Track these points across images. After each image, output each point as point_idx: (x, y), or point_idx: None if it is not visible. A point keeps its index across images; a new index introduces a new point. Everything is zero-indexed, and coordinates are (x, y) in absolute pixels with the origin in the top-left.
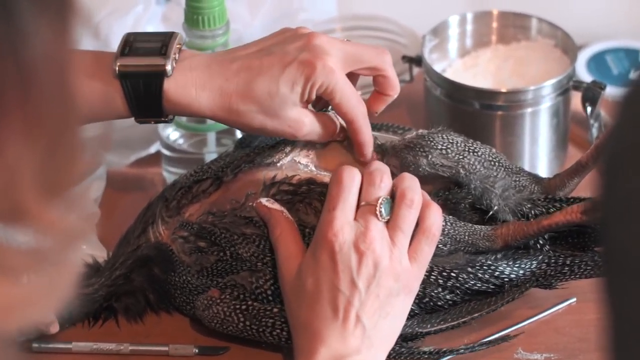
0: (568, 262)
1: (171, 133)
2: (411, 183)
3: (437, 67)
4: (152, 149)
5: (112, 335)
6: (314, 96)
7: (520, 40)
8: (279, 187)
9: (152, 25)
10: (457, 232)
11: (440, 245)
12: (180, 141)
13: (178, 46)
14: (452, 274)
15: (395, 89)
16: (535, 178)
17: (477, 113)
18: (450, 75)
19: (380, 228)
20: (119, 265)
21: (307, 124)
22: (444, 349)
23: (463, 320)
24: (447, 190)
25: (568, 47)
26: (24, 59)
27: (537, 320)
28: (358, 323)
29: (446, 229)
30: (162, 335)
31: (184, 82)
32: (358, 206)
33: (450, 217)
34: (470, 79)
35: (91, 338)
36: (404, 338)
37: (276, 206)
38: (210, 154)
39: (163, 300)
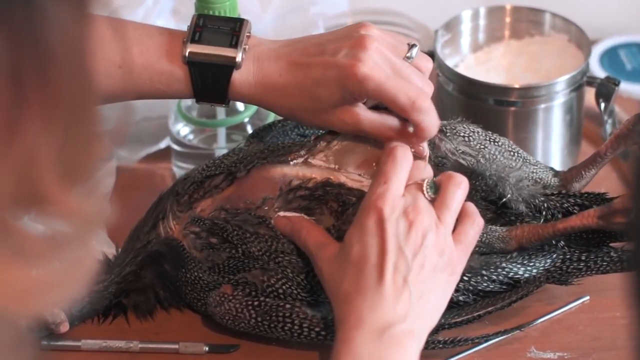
0: (583, 258)
1: (181, 128)
2: (454, 173)
3: (450, 62)
4: (162, 144)
5: (122, 333)
6: (350, 102)
7: (533, 35)
8: (296, 192)
9: (162, 19)
10: None
11: None
12: (191, 137)
13: (247, 35)
14: (465, 277)
15: (424, 137)
16: (553, 171)
17: (490, 109)
18: (462, 70)
19: (427, 204)
20: (128, 262)
21: (350, 122)
22: (459, 338)
23: (477, 314)
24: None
25: (582, 42)
26: (42, 43)
27: (550, 319)
28: (405, 288)
29: None
30: (172, 332)
31: (247, 73)
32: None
33: None
34: (483, 74)
35: (100, 335)
36: None
37: (294, 214)
38: (221, 149)
39: (174, 297)
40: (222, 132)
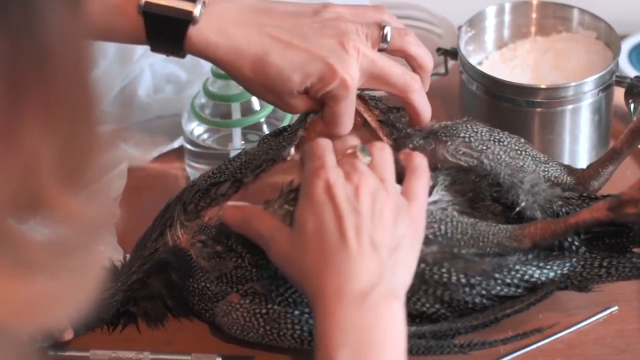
0: (605, 264)
1: (195, 128)
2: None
3: (474, 60)
4: (176, 144)
5: (133, 342)
6: (318, 96)
7: (560, 32)
8: (297, 192)
9: None
10: (478, 232)
11: (463, 251)
12: (205, 136)
13: None
14: (476, 280)
15: (421, 119)
16: (568, 169)
17: (515, 109)
18: (487, 68)
19: (365, 167)
20: (135, 270)
21: (299, 109)
22: (475, 341)
23: (495, 317)
24: (474, 190)
25: (611, 39)
26: (41, 44)
27: (576, 330)
28: (371, 247)
29: (468, 232)
30: (184, 342)
31: (207, 30)
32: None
33: (471, 219)
34: (508, 72)
35: (111, 345)
36: (434, 335)
37: (243, 203)
38: (236, 150)
39: (181, 307)
40: (237, 132)
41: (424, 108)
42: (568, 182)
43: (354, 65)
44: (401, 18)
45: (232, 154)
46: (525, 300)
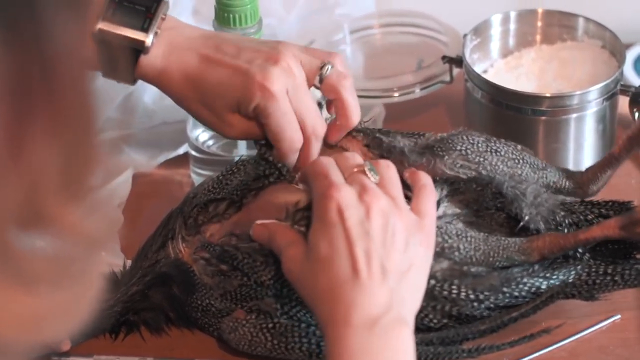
0: (609, 271)
1: (200, 134)
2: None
3: (479, 68)
4: (181, 150)
5: (137, 347)
6: (250, 112)
7: (565, 40)
8: (303, 213)
9: (183, 18)
10: (490, 247)
11: (472, 269)
12: (210, 142)
13: (162, 17)
14: (484, 295)
15: (349, 118)
16: (567, 173)
17: (520, 118)
18: (492, 76)
19: (375, 186)
20: (136, 281)
21: (237, 130)
22: (483, 346)
23: (501, 321)
24: (479, 202)
25: (616, 48)
26: (48, 57)
27: (580, 338)
28: (382, 274)
29: (481, 247)
30: (187, 347)
31: (155, 56)
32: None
33: (481, 233)
34: (513, 80)
35: (115, 351)
36: (442, 342)
37: (271, 221)
38: (241, 156)
39: (183, 319)
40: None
41: (354, 108)
42: (567, 186)
43: (278, 76)
44: (407, 26)
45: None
46: (530, 303)
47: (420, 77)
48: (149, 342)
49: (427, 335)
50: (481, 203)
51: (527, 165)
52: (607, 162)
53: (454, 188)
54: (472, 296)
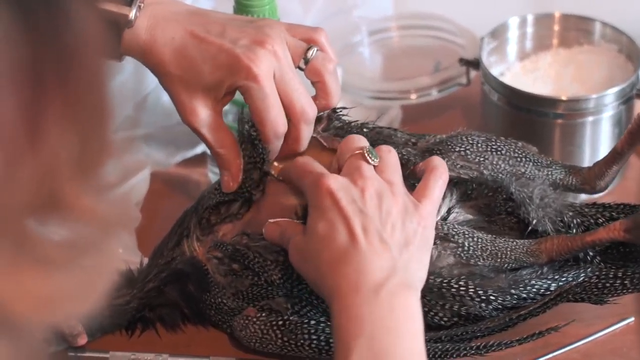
0: (619, 275)
1: None
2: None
3: (495, 71)
4: (199, 150)
5: (152, 344)
6: (227, 90)
7: (582, 45)
8: None
9: None
10: (497, 248)
11: (480, 263)
12: None
13: None
14: (492, 297)
15: (329, 101)
16: (573, 169)
17: (536, 121)
18: (508, 79)
19: (372, 170)
20: (152, 278)
21: (199, 119)
22: (491, 343)
23: (510, 318)
24: (489, 205)
25: (632, 53)
26: (63, 43)
27: (593, 341)
28: (382, 244)
29: (488, 248)
30: (203, 345)
31: (139, 30)
32: (342, 167)
33: (489, 235)
34: (530, 83)
35: (131, 347)
36: (451, 339)
37: (284, 219)
38: None
39: (198, 316)
40: None
41: (335, 91)
42: (574, 182)
43: (265, 59)
44: (425, 28)
45: None
46: (539, 302)
47: (438, 80)
48: (164, 338)
49: (436, 333)
50: (493, 208)
51: (531, 163)
52: (612, 158)
53: (463, 192)
54: (480, 295)
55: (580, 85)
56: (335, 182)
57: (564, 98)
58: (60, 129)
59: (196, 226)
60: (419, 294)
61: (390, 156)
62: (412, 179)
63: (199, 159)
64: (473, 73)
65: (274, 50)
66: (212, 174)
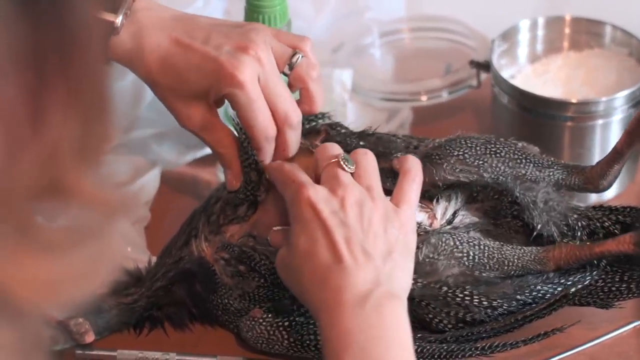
0: (625, 279)
1: None
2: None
3: (506, 73)
4: (209, 149)
5: (160, 343)
6: (214, 98)
7: (593, 48)
8: None
9: None
10: (504, 256)
11: (484, 274)
12: None
13: None
14: (497, 304)
15: (311, 106)
16: (575, 168)
17: (546, 123)
18: (519, 81)
19: (349, 177)
20: (160, 277)
21: (195, 122)
22: (497, 343)
23: (515, 319)
24: (495, 208)
25: None
26: (65, 29)
27: (600, 344)
28: (365, 256)
29: (495, 256)
30: (210, 344)
31: (125, 36)
32: (319, 176)
33: (496, 242)
34: (540, 86)
35: (138, 346)
36: (457, 340)
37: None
38: None
39: (205, 316)
40: None
41: (319, 97)
42: (576, 182)
43: (249, 65)
44: (436, 30)
45: None
46: (545, 303)
47: (448, 82)
48: (172, 337)
49: (441, 334)
50: (498, 211)
51: (531, 164)
52: (613, 157)
53: (469, 194)
54: (485, 303)
55: (590, 89)
56: (315, 194)
57: (574, 101)
58: (62, 114)
59: (205, 226)
60: (404, 303)
61: (367, 159)
62: (389, 175)
63: (209, 159)
64: (483, 75)
65: (258, 56)
66: (221, 174)
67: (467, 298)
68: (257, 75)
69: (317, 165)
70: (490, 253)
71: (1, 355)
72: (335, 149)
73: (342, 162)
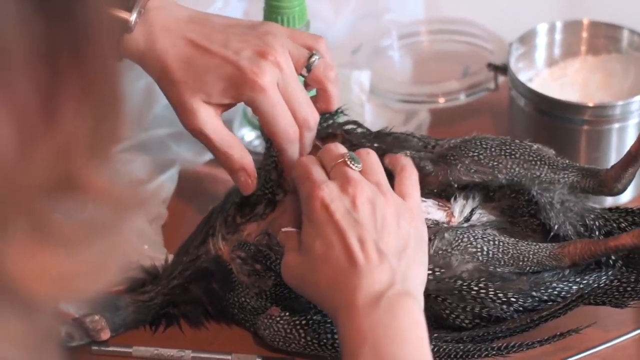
0: None
1: (246, 134)
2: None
3: (523, 76)
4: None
5: (176, 340)
6: (230, 100)
7: (610, 52)
8: None
9: None
10: (519, 252)
11: (499, 269)
12: (256, 142)
13: None
14: (513, 299)
15: (328, 105)
16: (590, 171)
17: (563, 126)
18: (537, 85)
19: (359, 174)
20: (177, 275)
21: (203, 122)
22: (513, 343)
23: (532, 319)
24: (512, 207)
25: None
26: (79, 24)
27: (613, 346)
28: (380, 255)
29: (510, 251)
30: (225, 342)
31: (139, 34)
32: (328, 175)
33: (512, 239)
34: (557, 90)
35: (154, 343)
36: (473, 339)
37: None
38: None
39: (221, 314)
40: None
41: (335, 97)
42: (591, 185)
43: (268, 71)
44: (454, 33)
45: None
46: (561, 303)
47: (466, 84)
48: (189, 335)
49: (458, 333)
50: (515, 210)
51: (546, 166)
52: (627, 161)
53: (485, 194)
54: (500, 297)
55: (607, 93)
56: (330, 194)
57: (590, 105)
58: (74, 109)
59: (222, 225)
60: (420, 301)
61: (371, 157)
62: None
63: None
64: (501, 78)
65: (277, 62)
66: None
67: (482, 291)
68: (276, 81)
69: (324, 166)
70: (505, 249)
71: (13, 348)
72: (339, 148)
73: (348, 161)
